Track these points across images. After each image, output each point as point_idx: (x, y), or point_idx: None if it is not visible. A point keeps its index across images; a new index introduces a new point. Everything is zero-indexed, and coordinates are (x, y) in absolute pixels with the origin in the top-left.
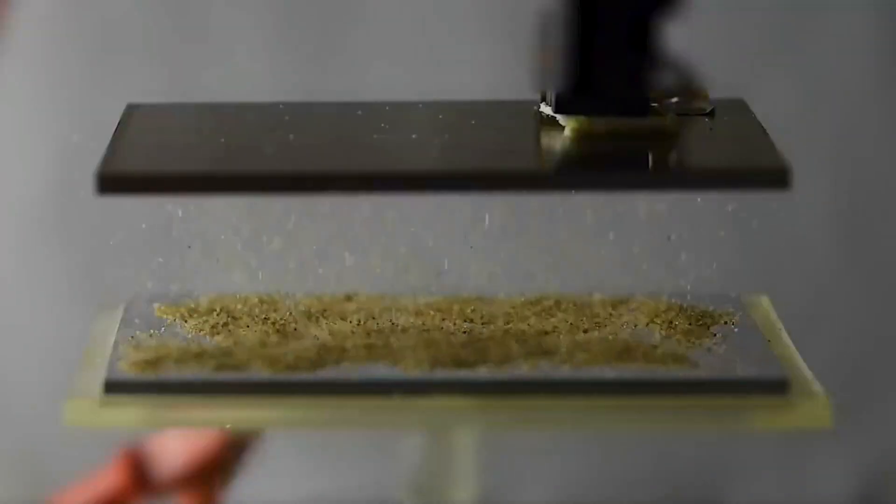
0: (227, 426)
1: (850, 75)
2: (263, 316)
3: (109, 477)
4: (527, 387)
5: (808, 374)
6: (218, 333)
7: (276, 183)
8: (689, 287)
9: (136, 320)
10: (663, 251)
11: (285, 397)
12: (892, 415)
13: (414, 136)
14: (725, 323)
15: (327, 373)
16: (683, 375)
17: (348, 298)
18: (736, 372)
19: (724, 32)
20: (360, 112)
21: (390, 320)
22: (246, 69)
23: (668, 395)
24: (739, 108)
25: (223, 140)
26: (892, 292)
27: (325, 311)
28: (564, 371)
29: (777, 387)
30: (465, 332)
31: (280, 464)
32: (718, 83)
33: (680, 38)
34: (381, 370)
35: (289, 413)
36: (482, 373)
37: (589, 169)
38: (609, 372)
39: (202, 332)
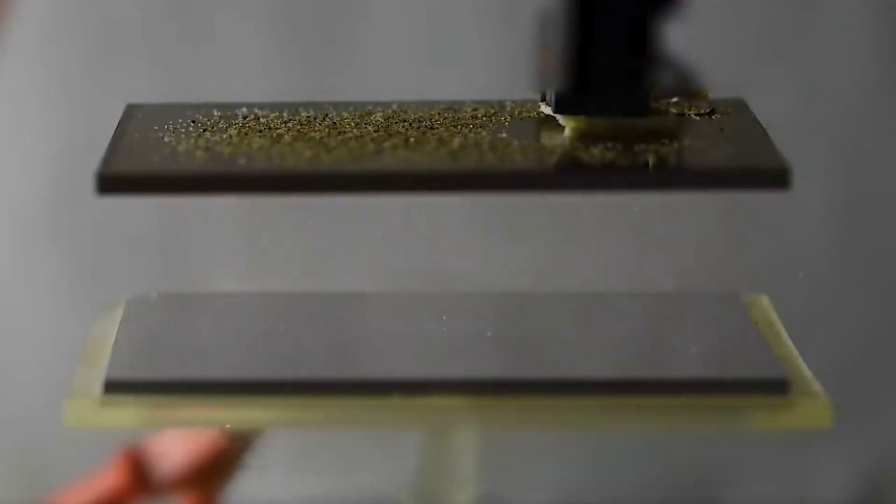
0: (227, 426)
1: (850, 75)
2: None
3: (109, 477)
4: (527, 387)
5: (808, 374)
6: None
7: (275, 183)
8: (688, 287)
9: (136, 320)
10: (662, 251)
11: (285, 397)
12: (892, 415)
13: (412, 137)
14: None
15: (327, 373)
16: (683, 375)
17: None
18: (736, 372)
19: (724, 32)
20: (357, 112)
21: None
22: (246, 69)
23: (668, 395)
24: (739, 108)
25: (223, 140)
26: (892, 292)
27: None
28: (564, 371)
29: (777, 387)
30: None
31: (280, 464)
32: (718, 83)
33: (680, 38)
34: (380, 369)
35: (289, 413)
36: (482, 373)
37: (589, 169)
38: (609, 372)
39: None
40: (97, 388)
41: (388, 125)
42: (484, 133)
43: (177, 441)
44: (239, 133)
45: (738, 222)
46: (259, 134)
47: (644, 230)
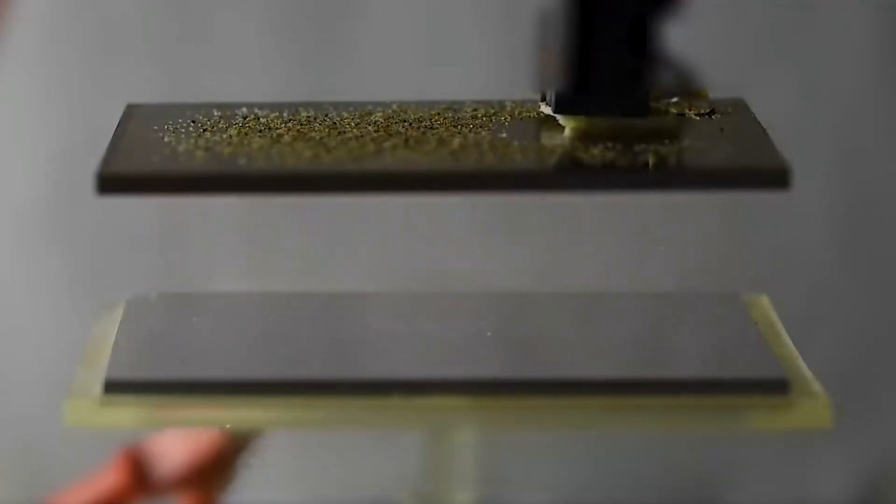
0: (227, 426)
1: (850, 75)
2: None
3: (109, 477)
4: (527, 387)
5: (808, 374)
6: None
7: (275, 183)
8: (688, 287)
9: (136, 320)
10: (662, 251)
11: (285, 397)
12: (892, 415)
13: (412, 138)
14: None
15: (327, 373)
16: (683, 375)
17: None
18: (736, 372)
19: (724, 32)
20: (357, 112)
21: None
22: (246, 69)
23: (668, 395)
24: (739, 108)
25: (223, 140)
26: (892, 292)
27: None
28: (564, 371)
29: (777, 387)
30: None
31: (280, 464)
32: (718, 83)
33: (680, 38)
34: (380, 369)
35: (289, 413)
36: (482, 373)
37: (589, 169)
38: (609, 372)
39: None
40: (97, 388)
41: (388, 125)
42: (484, 133)
43: (177, 441)
44: (239, 133)
45: (739, 222)
46: (259, 134)
47: (644, 230)
